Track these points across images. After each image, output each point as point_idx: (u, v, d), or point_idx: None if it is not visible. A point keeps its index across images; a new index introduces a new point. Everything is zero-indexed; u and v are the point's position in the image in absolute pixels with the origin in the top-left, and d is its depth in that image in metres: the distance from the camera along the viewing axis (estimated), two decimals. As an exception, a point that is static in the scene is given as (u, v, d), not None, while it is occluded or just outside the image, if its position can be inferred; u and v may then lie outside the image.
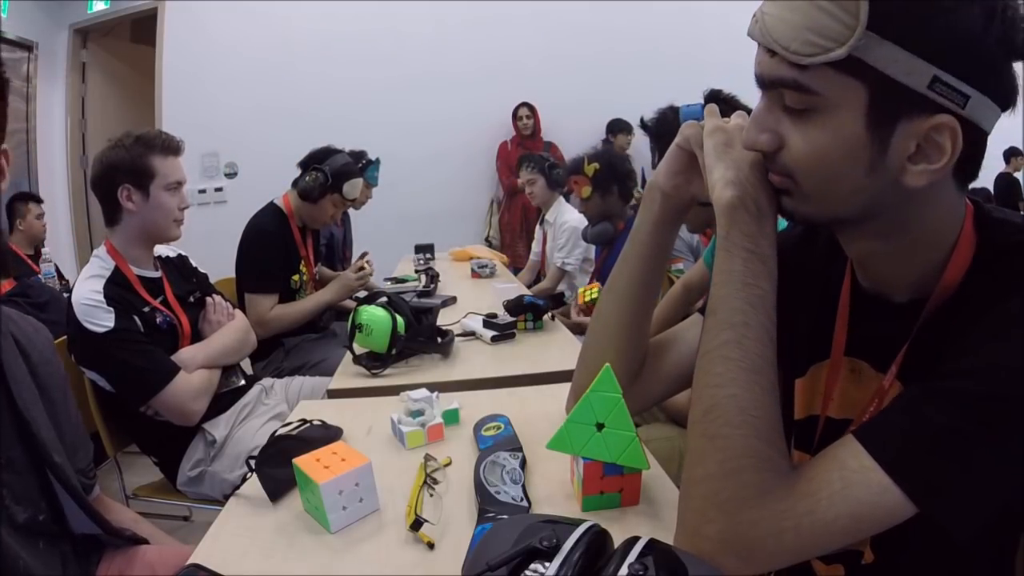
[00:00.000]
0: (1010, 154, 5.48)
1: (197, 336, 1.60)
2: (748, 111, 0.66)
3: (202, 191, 4.88)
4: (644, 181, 4.15)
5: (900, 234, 0.59)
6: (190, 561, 0.72)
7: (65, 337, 1.40)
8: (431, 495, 0.85)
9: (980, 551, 0.62)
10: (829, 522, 0.51)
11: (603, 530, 0.50)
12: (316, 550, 0.77)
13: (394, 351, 1.40)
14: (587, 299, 2.09)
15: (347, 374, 1.43)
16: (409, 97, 4.94)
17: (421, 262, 2.93)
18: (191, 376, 1.48)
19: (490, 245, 4.80)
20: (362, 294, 1.98)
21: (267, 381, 1.83)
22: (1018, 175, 5.60)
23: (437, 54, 4.95)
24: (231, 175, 5.04)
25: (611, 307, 0.84)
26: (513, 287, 2.23)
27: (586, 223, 2.56)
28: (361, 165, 2.69)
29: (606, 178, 2.39)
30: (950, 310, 0.57)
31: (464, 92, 4.94)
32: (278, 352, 2.19)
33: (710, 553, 0.53)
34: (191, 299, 1.65)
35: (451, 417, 1.08)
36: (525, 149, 4.57)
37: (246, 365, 1.92)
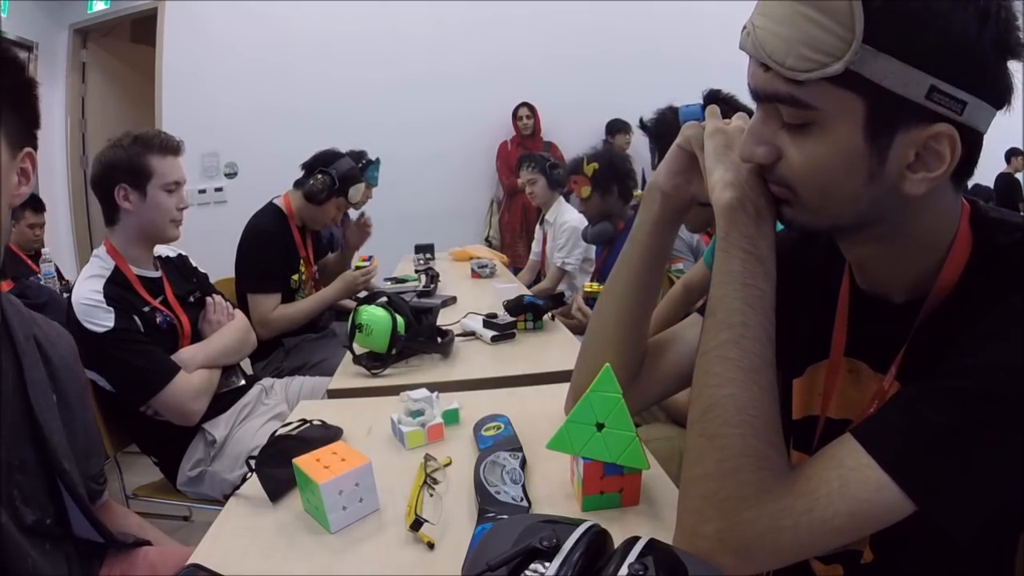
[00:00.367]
0: (1010, 154, 5.48)
1: (197, 336, 1.60)
2: (748, 112, 0.66)
3: (202, 191, 4.88)
4: (644, 181, 4.16)
5: (898, 238, 0.59)
6: (190, 561, 0.72)
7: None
8: (431, 495, 0.85)
9: (980, 551, 0.62)
10: (827, 520, 0.51)
11: (603, 530, 0.50)
12: (316, 550, 0.77)
13: (394, 351, 1.40)
14: (588, 291, 2.10)
15: (347, 374, 1.43)
16: (409, 97, 4.94)
17: (421, 262, 2.93)
18: (191, 376, 1.48)
19: (490, 245, 4.79)
20: (362, 294, 1.99)
21: (267, 381, 1.83)
22: (1018, 175, 5.60)
23: (437, 54, 4.94)
24: (231, 175, 5.04)
25: (610, 307, 0.84)
26: (513, 287, 2.22)
27: (586, 223, 2.56)
28: (361, 165, 2.69)
29: (606, 178, 2.39)
30: (949, 310, 0.57)
31: (464, 92, 4.94)
32: (278, 352, 2.19)
33: (709, 552, 0.53)
34: (191, 299, 1.65)
35: (451, 417, 1.08)
36: (525, 149, 4.57)
37: (246, 365, 1.92)
